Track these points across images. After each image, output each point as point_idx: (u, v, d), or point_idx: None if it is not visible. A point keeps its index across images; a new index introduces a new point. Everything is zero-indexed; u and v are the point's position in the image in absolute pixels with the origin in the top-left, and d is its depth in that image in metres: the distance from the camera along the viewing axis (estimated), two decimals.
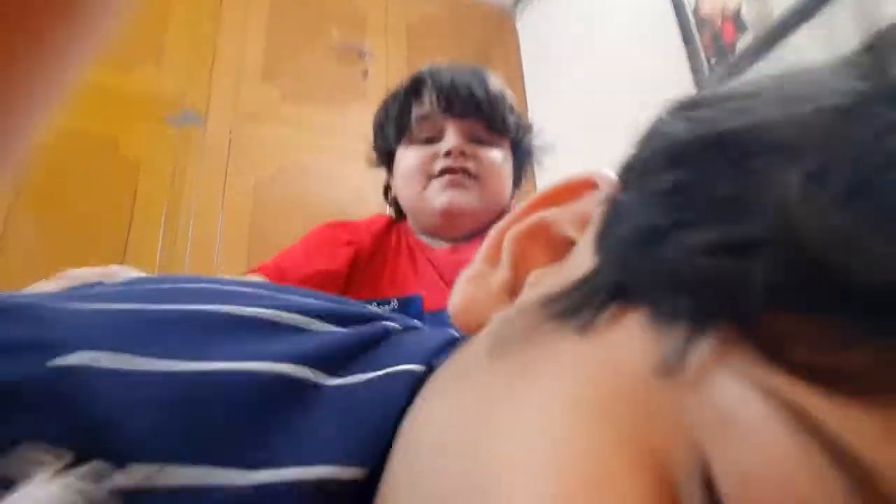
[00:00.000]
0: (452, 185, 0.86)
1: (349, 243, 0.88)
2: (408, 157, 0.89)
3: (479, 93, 0.86)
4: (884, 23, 0.16)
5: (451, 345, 0.27)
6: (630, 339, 0.17)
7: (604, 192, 0.23)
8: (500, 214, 0.90)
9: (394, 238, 0.94)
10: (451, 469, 0.18)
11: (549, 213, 0.24)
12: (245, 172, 1.75)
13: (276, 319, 0.24)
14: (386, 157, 0.96)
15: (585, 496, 0.15)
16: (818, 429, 0.14)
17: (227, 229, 1.65)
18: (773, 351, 0.14)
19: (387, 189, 0.99)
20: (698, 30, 1.58)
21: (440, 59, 2.26)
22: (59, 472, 0.15)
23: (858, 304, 0.13)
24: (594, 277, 0.19)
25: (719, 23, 1.52)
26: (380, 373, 0.24)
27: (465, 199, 0.86)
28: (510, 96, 0.93)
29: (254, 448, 0.19)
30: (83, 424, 0.17)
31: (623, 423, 0.16)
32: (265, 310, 0.24)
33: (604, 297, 0.18)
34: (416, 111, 0.88)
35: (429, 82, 0.88)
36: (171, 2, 1.87)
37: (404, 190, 0.91)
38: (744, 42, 1.44)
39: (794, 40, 1.33)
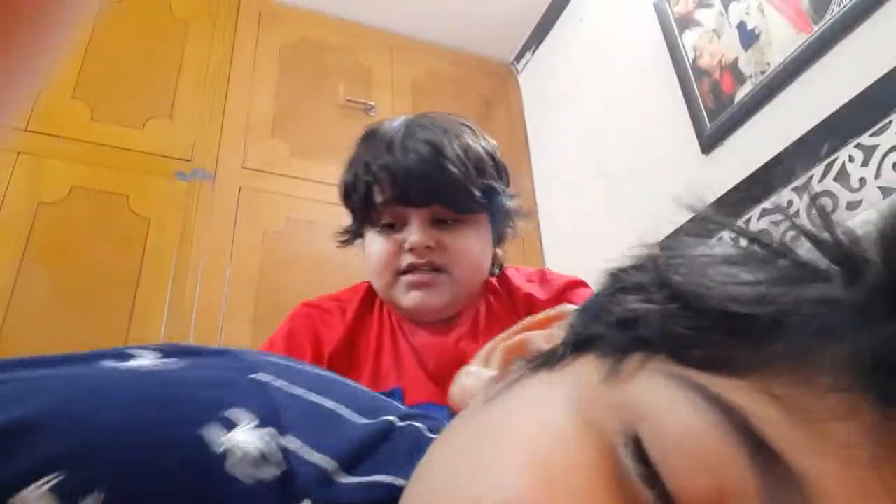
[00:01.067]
0: (419, 285, 0.83)
1: (323, 337, 0.86)
2: (374, 247, 0.86)
3: (437, 179, 0.79)
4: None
5: None
6: (584, 366, 0.25)
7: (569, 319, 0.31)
8: (479, 285, 0.90)
9: (377, 310, 0.91)
10: (449, 471, 0.25)
11: (529, 335, 0.37)
12: (253, 227, 1.77)
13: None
14: (355, 236, 0.93)
15: (552, 457, 0.22)
16: (703, 389, 0.20)
17: (234, 284, 1.66)
18: (677, 353, 0.22)
19: None
20: (697, 80, 1.62)
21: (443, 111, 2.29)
22: None
23: (718, 325, 0.22)
24: (562, 341, 0.28)
25: (718, 74, 1.55)
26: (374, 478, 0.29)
27: (434, 299, 0.83)
28: (482, 155, 0.84)
29: None
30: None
31: (579, 409, 0.23)
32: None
33: (567, 349, 0.27)
34: (375, 199, 0.83)
35: (384, 173, 0.81)
36: (182, 60, 1.93)
37: (373, 280, 0.88)
38: (742, 93, 1.47)
39: (791, 91, 1.35)
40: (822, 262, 0.22)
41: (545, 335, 0.35)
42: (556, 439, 0.22)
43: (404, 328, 0.89)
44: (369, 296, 0.92)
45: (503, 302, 0.91)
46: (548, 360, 0.27)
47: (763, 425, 0.19)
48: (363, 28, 2.30)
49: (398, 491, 0.27)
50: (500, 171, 0.88)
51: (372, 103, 2.12)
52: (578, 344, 0.26)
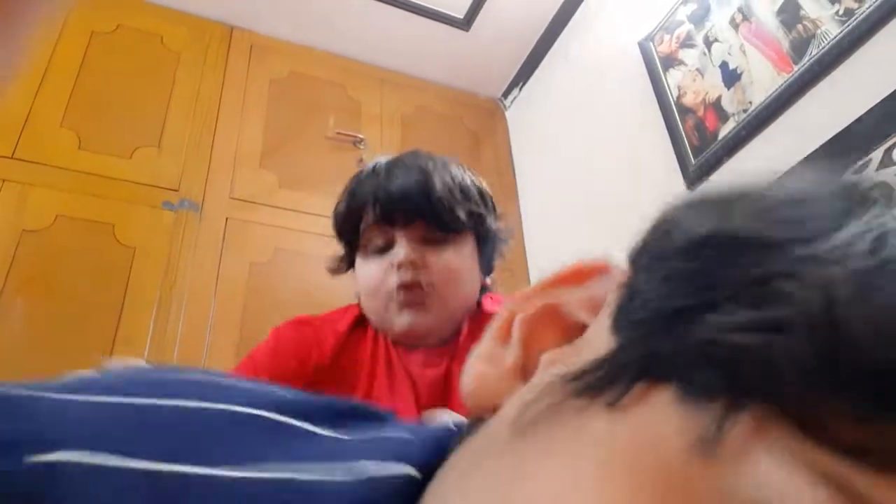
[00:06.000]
0: (410, 305, 0.84)
1: (311, 354, 0.86)
2: (364, 271, 0.88)
3: (421, 200, 0.83)
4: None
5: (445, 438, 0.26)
6: (661, 415, 0.17)
7: (615, 277, 0.23)
8: (470, 308, 0.90)
9: (370, 335, 0.90)
10: None
11: (560, 297, 0.24)
12: (240, 258, 1.75)
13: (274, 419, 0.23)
14: (347, 265, 0.95)
15: None
16: (863, 501, 0.13)
17: (218, 315, 1.64)
18: (813, 427, 0.14)
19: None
20: (681, 117, 1.65)
21: (433, 147, 2.32)
22: None
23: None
24: (617, 355, 0.19)
25: (701, 111, 1.58)
26: (380, 434, 0.24)
27: (425, 319, 0.84)
28: (468, 184, 0.88)
29: None
30: None
31: (659, 499, 0.15)
32: (261, 411, 0.23)
33: (630, 375, 0.18)
34: (363, 224, 0.87)
35: (370, 196, 0.86)
36: (172, 91, 1.94)
37: (366, 304, 0.89)
38: (726, 130, 1.49)
39: (773, 129, 1.38)
40: None
41: (583, 301, 0.24)
42: None
43: (399, 353, 0.89)
44: (362, 316, 0.92)
45: (483, 327, 0.92)
46: (603, 386, 0.18)
47: None
48: (353, 63, 2.33)
49: None
50: (485, 199, 0.91)
51: (361, 136, 2.13)
52: (646, 368, 0.18)
